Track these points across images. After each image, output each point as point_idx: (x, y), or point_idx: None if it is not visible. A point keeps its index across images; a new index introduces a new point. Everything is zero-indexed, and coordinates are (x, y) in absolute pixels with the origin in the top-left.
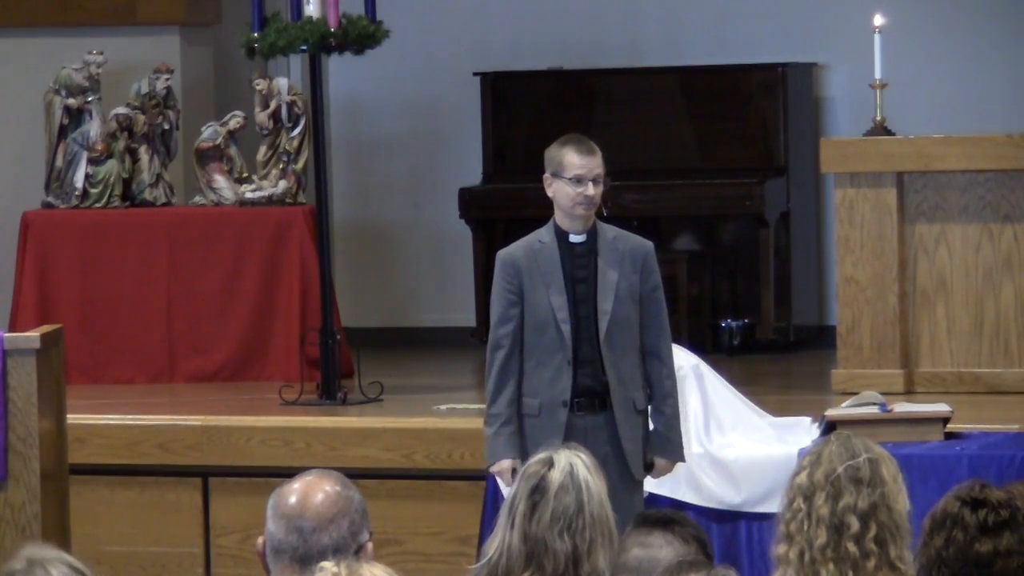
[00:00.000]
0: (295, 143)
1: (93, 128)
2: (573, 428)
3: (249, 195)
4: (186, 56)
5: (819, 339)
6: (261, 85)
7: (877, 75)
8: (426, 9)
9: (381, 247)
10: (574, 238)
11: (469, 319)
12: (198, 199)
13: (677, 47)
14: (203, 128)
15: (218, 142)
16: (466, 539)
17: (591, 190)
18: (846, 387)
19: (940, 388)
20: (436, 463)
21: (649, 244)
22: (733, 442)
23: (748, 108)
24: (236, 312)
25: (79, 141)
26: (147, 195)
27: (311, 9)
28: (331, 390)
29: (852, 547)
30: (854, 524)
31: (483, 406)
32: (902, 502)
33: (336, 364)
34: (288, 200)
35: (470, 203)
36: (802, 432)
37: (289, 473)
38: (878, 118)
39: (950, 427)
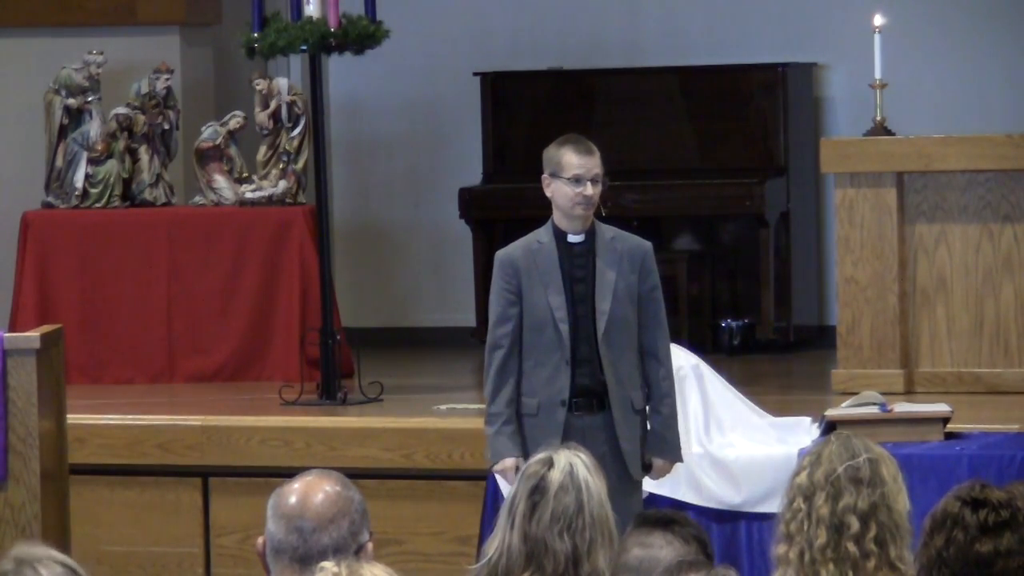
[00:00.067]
0: (295, 143)
1: (93, 128)
2: (571, 428)
3: (249, 195)
4: (186, 56)
5: (819, 339)
6: (261, 85)
7: (877, 75)
8: (426, 9)
9: (381, 247)
10: (572, 238)
11: (469, 319)
12: (198, 199)
13: (677, 47)
14: (203, 128)
15: (218, 142)
16: (466, 539)
17: (590, 190)
18: (846, 387)
19: (940, 388)
20: (436, 463)
21: (647, 244)
22: (733, 442)
23: (748, 108)
24: (236, 312)
25: (79, 141)
26: (147, 195)
27: (311, 9)
28: (331, 390)
29: (852, 547)
30: (854, 524)
31: (483, 406)
32: (902, 502)
33: (336, 364)
34: (288, 200)
35: (470, 203)
36: (802, 432)
37: (289, 473)
38: (878, 118)
39: (950, 427)
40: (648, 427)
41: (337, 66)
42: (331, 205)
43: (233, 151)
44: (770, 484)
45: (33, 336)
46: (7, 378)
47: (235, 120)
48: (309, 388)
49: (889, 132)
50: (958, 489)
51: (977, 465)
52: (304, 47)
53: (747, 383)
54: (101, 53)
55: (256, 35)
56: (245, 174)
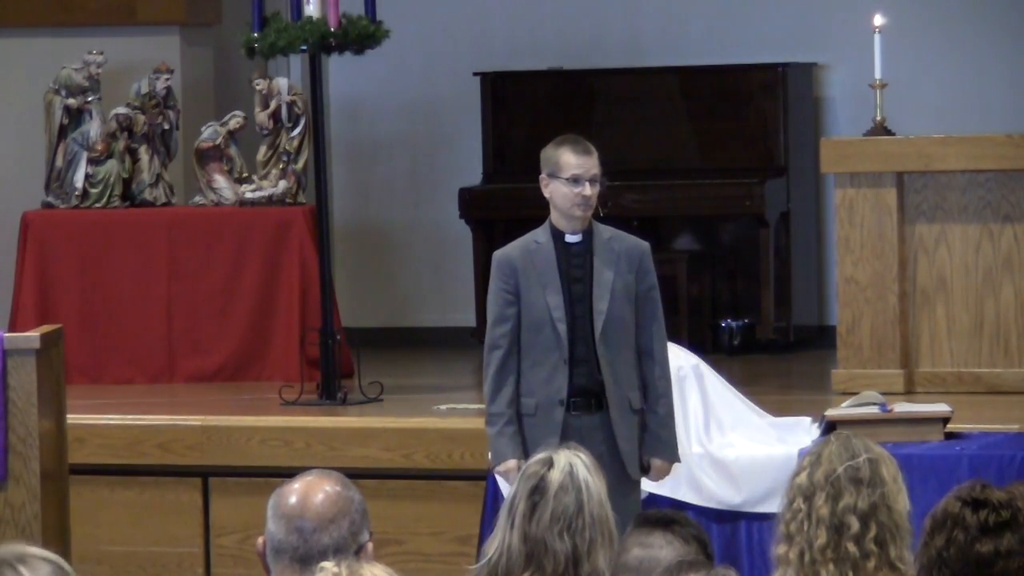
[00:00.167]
0: (295, 143)
1: (93, 128)
2: (569, 428)
3: (249, 195)
4: (186, 56)
5: (819, 339)
6: (261, 85)
7: (877, 75)
8: (426, 9)
9: (381, 247)
10: (570, 238)
11: (469, 319)
12: (198, 199)
13: (677, 47)
14: (203, 128)
15: (218, 142)
16: (466, 539)
17: (588, 190)
18: (846, 387)
19: (940, 388)
20: (436, 463)
21: (645, 244)
22: (733, 442)
23: (748, 108)
24: (236, 312)
25: (79, 141)
26: (147, 195)
27: (311, 9)
28: (331, 390)
29: (852, 547)
30: (854, 524)
31: (483, 406)
32: (902, 502)
33: (336, 364)
34: (288, 200)
35: (470, 203)
36: (802, 432)
37: (289, 473)
38: (878, 118)
39: (950, 427)
40: (645, 427)
41: (337, 66)
42: (331, 205)
43: (233, 151)
44: (770, 484)
45: (33, 336)
46: (7, 378)
47: (235, 120)
48: (309, 388)
49: (889, 132)
50: (958, 489)
51: (977, 465)
52: (304, 47)
53: (747, 383)
54: (101, 53)
55: (256, 35)
56: (245, 174)
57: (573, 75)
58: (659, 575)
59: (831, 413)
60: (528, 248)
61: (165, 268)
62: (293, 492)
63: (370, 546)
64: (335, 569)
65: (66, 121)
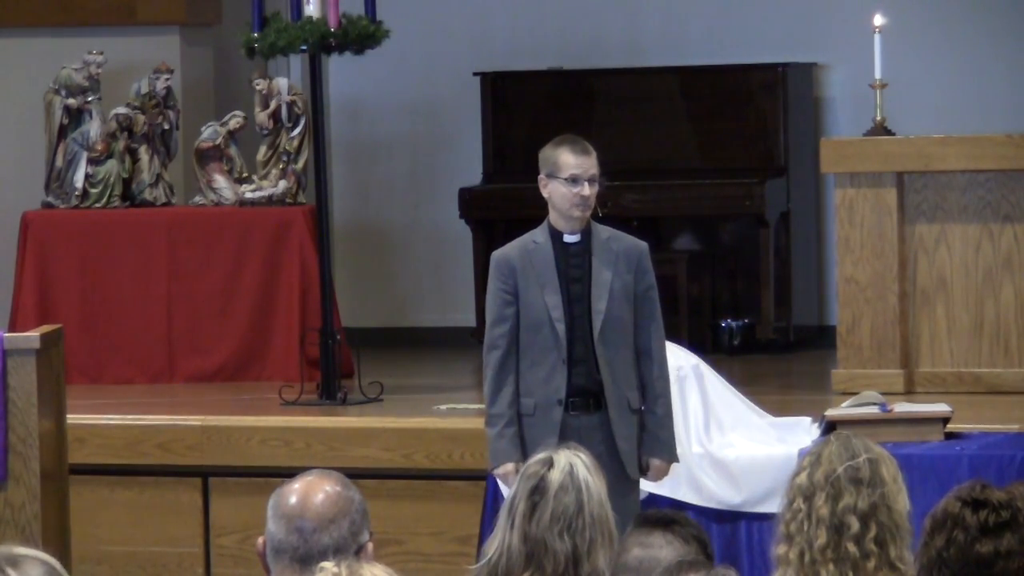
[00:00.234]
0: (295, 143)
1: (93, 128)
2: (567, 428)
3: (249, 195)
4: (186, 56)
5: (819, 339)
6: (261, 85)
7: (877, 75)
8: (426, 9)
9: (381, 247)
10: (568, 238)
11: (469, 319)
12: (198, 199)
13: (677, 47)
14: (203, 128)
15: (218, 142)
16: (466, 539)
17: (587, 190)
18: (846, 387)
19: (940, 388)
20: (436, 463)
21: (643, 244)
22: (733, 442)
23: (748, 108)
24: (236, 312)
25: (79, 141)
26: (147, 195)
27: (311, 9)
28: (331, 390)
29: (852, 547)
30: (854, 524)
31: (483, 406)
32: (902, 502)
33: (336, 364)
34: (288, 200)
35: (470, 203)
36: (802, 432)
37: (289, 473)
38: (878, 118)
39: (950, 427)
40: (644, 427)
41: (337, 66)
42: (331, 205)
43: (233, 151)
44: (770, 484)
45: (33, 336)
46: (7, 378)
47: (235, 120)
48: (309, 388)
49: (889, 132)
50: (958, 489)
51: (977, 465)
52: (304, 47)
53: (747, 383)
54: (101, 53)
55: (256, 35)
56: (245, 174)
57: (573, 75)
58: (659, 575)
59: (831, 413)
60: (526, 248)
61: (165, 268)
62: (293, 492)
63: (370, 546)
64: (335, 569)
65: (66, 121)
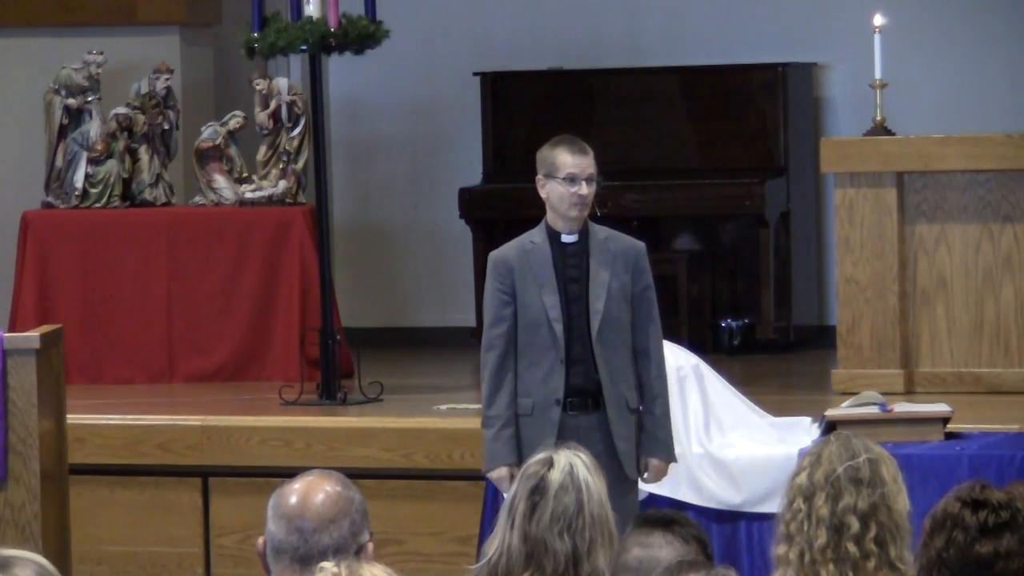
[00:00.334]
0: (295, 143)
1: (93, 128)
2: (566, 428)
3: (249, 195)
4: (186, 56)
5: (819, 339)
6: (261, 85)
7: (877, 75)
8: (426, 9)
9: (381, 247)
10: (566, 238)
11: (469, 319)
12: (198, 199)
13: (677, 47)
14: (203, 128)
15: (218, 142)
16: (466, 539)
17: (584, 189)
18: (846, 387)
19: (940, 388)
20: (436, 463)
21: (641, 244)
22: (733, 442)
23: (748, 108)
24: (236, 312)
25: (79, 141)
26: (147, 195)
27: (311, 9)
28: (331, 390)
29: (852, 547)
30: (854, 524)
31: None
32: (902, 502)
33: (336, 364)
34: (288, 200)
35: (470, 203)
36: (802, 432)
37: (289, 473)
38: (878, 118)
39: (950, 427)
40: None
41: (337, 66)
42: (331, 205)
43: (233, 151)
44: (770, 484)
45: (33, 336)
46: (7, 378)
47: (235, 120)
48: (309, 388)
49: (889, 132)
50: (958, 490)
51: (977, 465)
52: (304, 47)
53: (747, 383)
54: (101, 53)
55: (256, 35)
56: (245, 174)
57: (573, 75)
58: (659, 575)
59: (831, 413)
60: (524, 248)
61: (165, 268)
62: (293, 492)
63: (370, 546)
64: (335, 569)
65: (66, 121)
